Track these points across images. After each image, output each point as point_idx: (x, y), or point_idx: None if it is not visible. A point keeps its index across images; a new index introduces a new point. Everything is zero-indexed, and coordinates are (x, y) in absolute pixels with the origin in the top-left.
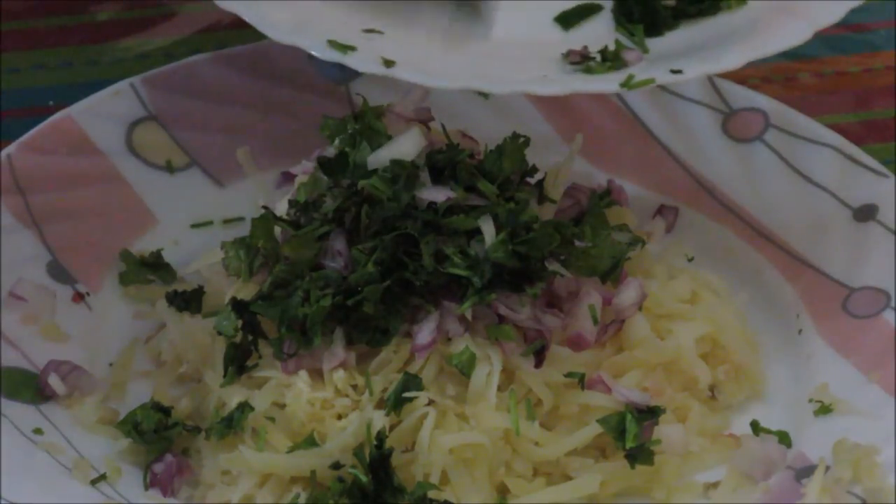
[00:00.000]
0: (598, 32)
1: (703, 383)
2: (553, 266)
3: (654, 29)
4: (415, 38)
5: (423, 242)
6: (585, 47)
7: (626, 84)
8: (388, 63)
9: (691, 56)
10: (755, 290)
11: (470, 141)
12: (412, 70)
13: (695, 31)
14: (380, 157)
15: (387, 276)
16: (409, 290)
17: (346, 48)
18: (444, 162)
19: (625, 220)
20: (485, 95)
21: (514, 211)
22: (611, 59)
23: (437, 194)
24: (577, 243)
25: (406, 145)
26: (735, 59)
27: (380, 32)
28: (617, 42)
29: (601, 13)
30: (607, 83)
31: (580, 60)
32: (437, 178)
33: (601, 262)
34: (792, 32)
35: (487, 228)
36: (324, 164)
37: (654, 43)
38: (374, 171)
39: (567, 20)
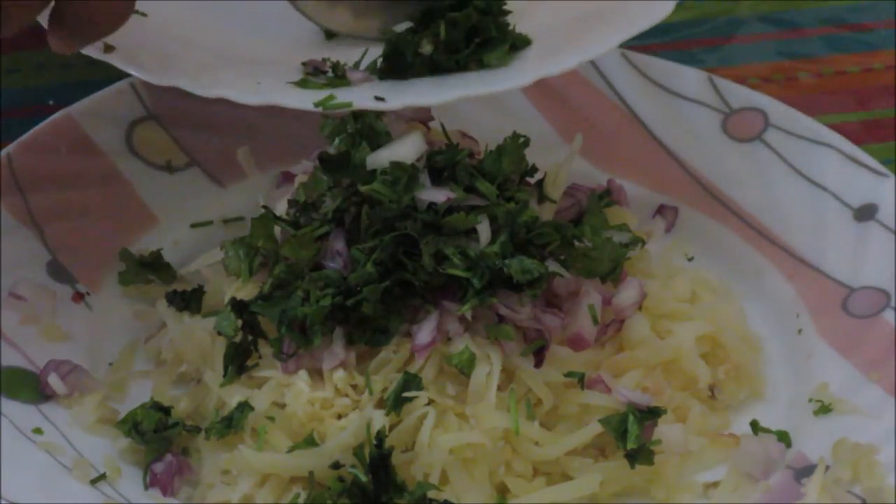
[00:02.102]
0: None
1: (703, 383)
2: (553, 267)
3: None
4: (175, 24)
5: (422, 243)
6: (324, 60)
7: (321, 104)
8: (108, 48)
9: (426, 85)
10: (755, 290)
11: (470, 141)
12: (125, 59)
13: None
14: (379, 159)
15: (386, 276)
16: (408, 290)
17: None
18: (444, 162)
19: (625, 220)
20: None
21: (512, 211)
22: (337, 76)
23: (437, 195)
24: (578, 244)
25: (406, 148)
26: (442, 95)
27: (143, 14)
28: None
29: None
30: (303, 100)
31: (313, 72)
32: (437, 178)
33: (601, 265)
34: (502, 79)
35: (483, 229)
36: (325, 161)
37: None
38: (374, 172)
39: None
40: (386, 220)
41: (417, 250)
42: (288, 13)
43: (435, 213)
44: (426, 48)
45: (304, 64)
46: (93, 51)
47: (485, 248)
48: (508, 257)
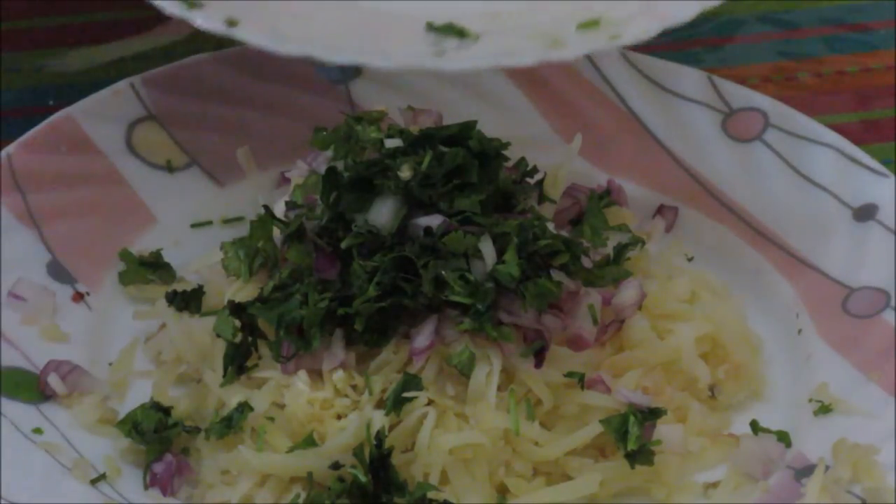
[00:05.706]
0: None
1: (702, 383)
2: (558, 276)
3: None
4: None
5: (421, 267)
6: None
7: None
8: (232, 22)
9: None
10: (755, 290)
11: (425, 115)
12: (255, 32)
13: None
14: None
15: (385, 297)
16: (405, 309)
17: (192, 4)
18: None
19: (625, 220)
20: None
21: (525, 226)
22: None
23: (431, 220)
24: (584, 262)
25: (383, 215)
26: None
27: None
28: None
29: None
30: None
31: (450, 32)
32: (428, 198)
33: (603, 282)
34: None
35: (487, 250)
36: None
37: None
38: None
39: None
40: (381, 246)
41: (416, 269)
42: None
43: (432, 235)
44: (405, 173)
45: (429, 26)
46: (216, 25)
47: (497, 267)
48: (523, 280)
